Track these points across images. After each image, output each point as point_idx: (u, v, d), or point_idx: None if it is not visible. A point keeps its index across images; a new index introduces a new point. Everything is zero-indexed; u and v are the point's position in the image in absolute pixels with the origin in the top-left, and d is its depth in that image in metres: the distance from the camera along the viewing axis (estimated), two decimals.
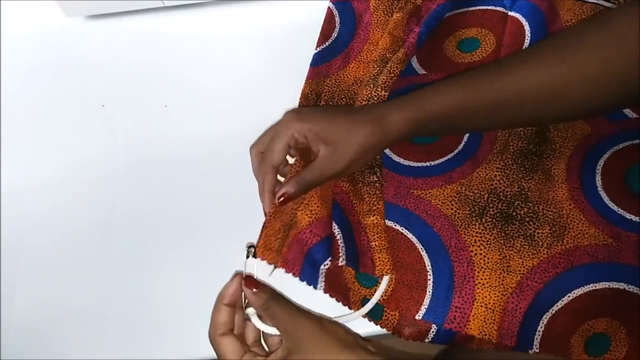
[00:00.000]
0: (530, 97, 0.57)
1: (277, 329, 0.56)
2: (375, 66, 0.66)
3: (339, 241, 0.61)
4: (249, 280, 0.57)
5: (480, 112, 0.58)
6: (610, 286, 0.57)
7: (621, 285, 0.57)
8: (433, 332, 0.59)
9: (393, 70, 0.65)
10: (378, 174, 0.64)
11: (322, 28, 0.73)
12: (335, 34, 0.73)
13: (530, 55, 0.58)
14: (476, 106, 0.58)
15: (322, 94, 0.70)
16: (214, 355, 0.61)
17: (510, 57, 0.59)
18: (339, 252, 0.61)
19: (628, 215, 0.60)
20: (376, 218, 0.62)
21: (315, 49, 0.72)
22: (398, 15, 0.69)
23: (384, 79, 0.64)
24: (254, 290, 0.56)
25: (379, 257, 0.60)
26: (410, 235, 0.61)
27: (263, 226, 0.61)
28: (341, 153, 0.58)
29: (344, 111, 0.62)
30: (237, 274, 0.59)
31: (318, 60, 0.71)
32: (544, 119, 0.62)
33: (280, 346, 0.57)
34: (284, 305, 0.56)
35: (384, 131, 0.58)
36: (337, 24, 0.73)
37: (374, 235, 0.61)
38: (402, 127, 0.58)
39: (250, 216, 0.66)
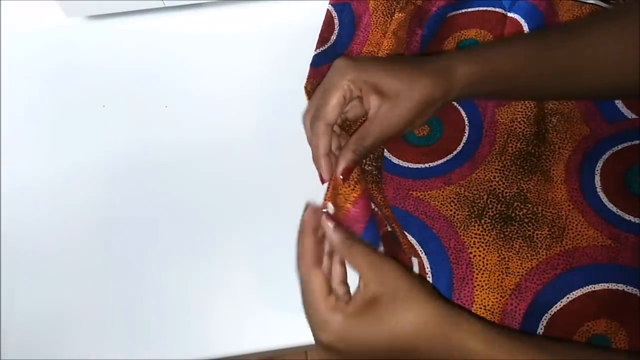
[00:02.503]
0: (606, 63, 0.54)
1: (359, 269, 0.49)
2: None
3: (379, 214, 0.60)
4: (330, 216, 0.52)
5: (549, 74, 0.55)
6: (609, 287, 0.57)
7: (620, 287, 0.57)
8: None
9: None
10: (378, 166, 0.63)
11: (321, 30, 0.73)
12: (334, 37, 0.73)
13: (607, 19, 0.55)
14: (546, 67, 0.55)
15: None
16: (214, 355, 0.62)
17: (582, 20, 0.56)
18: (385, 225, 0.59)
19: (627, 217, 0.60)
20: (388, 210, 0.62)
21: (315, 51, 0.72)
22: (400, 15, 0.69)
23: None
24: (334, 225, 0.51)
25: (404, 242, 0.60)
26: (409, 237, 0.61)
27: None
28: (402, 108, 0.52)
29: (404, 61, 0.56)
30: (309, 205, 0.54)
31: (317, 62, 0.71)
32: (609, 91, 0.58)
33: (355, 294, 0.50)
34: (365, 245, 0.50)
35: (449, 84, 0.54)
36: (336, 27, 0.73)
37: (392, 223, 0.61)
38: (467, 81, 0.54)
39: (250, 216, 0.67)
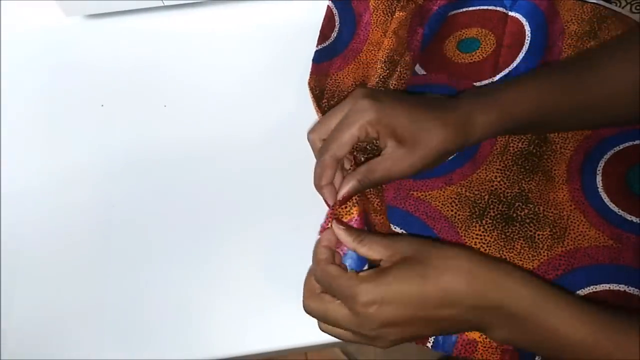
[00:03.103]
0: (621, 96, 0.54)
1: (378, 253, 0.50)
2: (385, 67, 0.66)
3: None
4: (339, 221, 0.53)
5: (565, 114, 0.56)
6: (611, 288, 0.57)
7: (621, 287, 0.57)
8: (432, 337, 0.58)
9: (403, 77, 0.65)
10: None
11: (321, 27, 0.72)
12: (334, 34, 0.72)
13: (618, 50, 0.56)
14: (562, 109, 0.55)
15: (325, 91, 0.70)
16: (215, 356, 0.62)
17: (593, 53, 0.56)
18: None
19: (629, 217, 0.60)
20: (382, 217, 0.62)
21: (316, 47, 0.72)
22: (401, 14, 0.68)
23: (394, 84, 0.64)
24: (345, 228, 0.52)
25: None
26: None
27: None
28: (417, 156, 0.53)
29: (427, 105, 0.55)
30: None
31: (319, 58, 0.71)
32: (624, 120, 0.59)
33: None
34: (376, 234, 0.52)
35: (467, 135, 0.54)
36: (336, 24, 0.73)
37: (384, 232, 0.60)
38: (485, 130, 0.55)
39: (250, 216, 0.67)
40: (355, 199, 0.55)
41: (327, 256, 0.52)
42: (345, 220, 0.55)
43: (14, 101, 0.76)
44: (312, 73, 0.69)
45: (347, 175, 0.55)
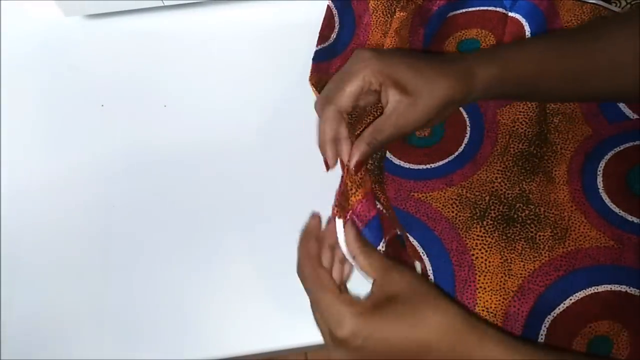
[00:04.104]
0: (623, 65, 0.54)
1: (375, 274, 0.50)
2: None
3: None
4: (354, 224, 0.52)
5: (566, 77, 0.55)
6: (612, 289, 0.57)
7: (623, 288, 0.57)
8: None
9: None
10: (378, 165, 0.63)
11: (321, 27, 0.72)
12: (334, 35, 0.72)
13: (624, 20, 0.55)
14: (564, 70, 0.55)
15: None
16: (214, 356, 0.62)
17: (597, 22, 0.56)
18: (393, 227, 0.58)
19: (630, 217, 0.60)
20: (392, 212, 0.62)
21: (316, 47, 0.72)
22: (402, 14, 0.68)
23: None
24: (355, 233, 0.51)
25: (408, 245, 0.59)
26: (411, 239, 0.61)
27: (338, 197, 0.55)
28: (421, 106, 0.52)
29: (427, 59, 0.54)
30: (314, 214, 0.55)
31: (318, 58, 0.71)
32: (625, 93, 0.58)
33: (369, 295, 0.50)
34: (379, 252, 0.52)
35: (470, 86, 0.53)
36: (336, 25, 0.73)
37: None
38: (487, 83, 0.54)
39: (250, 216, 0.66)
40: (360, 180, 0.54)
41: (317, 252, 0.52)
42: (351, 201, 0.54)
43: (14, 101, 0.75)
44: (312, 72, 0.69)
45: (355, 142, 0.53)
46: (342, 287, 0.52)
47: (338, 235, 0.52)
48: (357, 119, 0.63)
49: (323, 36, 0.72)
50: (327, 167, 0.55)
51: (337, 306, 0.47)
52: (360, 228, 0.54)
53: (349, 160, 0.53)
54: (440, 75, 0.52)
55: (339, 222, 0.53)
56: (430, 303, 0.47)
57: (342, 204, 0.54)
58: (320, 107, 0.54)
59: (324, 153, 0.54)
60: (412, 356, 0.46)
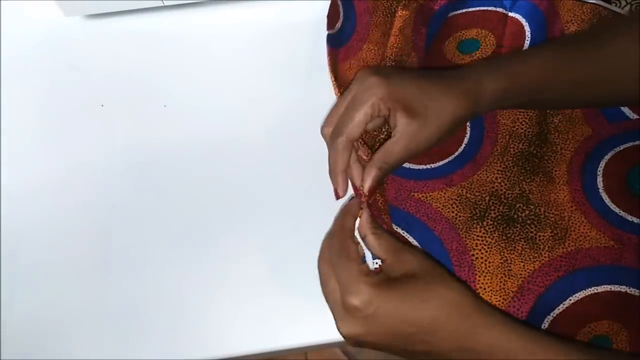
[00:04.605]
0: (629, 71, 0.54)
1: (385, 254, 0.52)
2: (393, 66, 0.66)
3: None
4: (369, 207, 0.54)
5: (573, 86, 0.56)
6: (612, 289, 0.57)
7: (623, 288, 0.57)
8: None
9: None
10: None
11: (328, 13, 0.72)
12: (339, 25, 0.72)
13: (626, 26, 0.56)
14: (571, 79, 0.55)
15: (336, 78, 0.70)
16: (214, 356, 0.62)
17: (601, 28, 0.57)
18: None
19: (630, 218, 0.60)
20: (386, 217, 0.62)
21: (327, 31, 0.71)
22: (404, 12, 0.68)
23: None
24: (369, 213, 0.53)
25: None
26: (411, 239, 0.61)
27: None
28: (431, 127, 0.52)
29: (433, 77, 0.55)
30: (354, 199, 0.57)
31: (330, 42, 0.71)
32: (632, 98, 0.59)
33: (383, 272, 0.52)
34: (389, 234, 0.54)
35: (477, 102, 0.54)
36: (340, 15, 0.73)
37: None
38: (495, 97, 0.54)
39: (250, 216, 0.66)
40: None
41: (351, 226, 0.53)
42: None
43: (14, 101, 0.75)
44: (328, 54, 0.70)
45: (366, 167, 0.54)
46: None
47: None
48: (362, 141, 0.63)
49: (331, 21, 0.72)
50: (337, 197, 0.56)
51: (356, 275, 0.49)
52: None
53: (361, 186, 0.54)
54: (447, 95, 0.53)
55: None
56: (442, 281, 0.49)
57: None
58: (330, 139, 0.55)
59: (336, 183, 0.55)
60: (420, 329, 0.48)
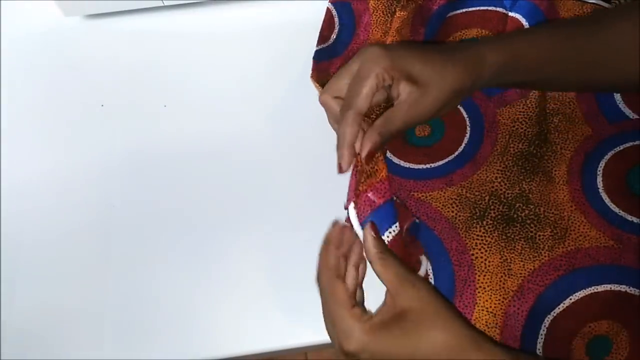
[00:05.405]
0: (631, 54, 0.54)
1: (390, 283, 0.50)
2: None
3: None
4: (373, 226, 0.52)
5: (575, 65, 0.56)
6: (612, 289, 0.57)
7: (622, 288, 0.57)
8: None
9: None
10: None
11: (321, 28, 0.72)
12: (334, 36, 0.72)
13: (625, 12, 0.56)
14: (573, 57, 0.55)
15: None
16: (214, 356, 0.62)
17: (601, 13, 0.57)
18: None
19: (629, 217, 0.60)
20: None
21: (316, 47, 0.71)
22: (402, 13, 0.68)
23: None
24: (374, 235, 0.51)
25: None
26: None
27: (353, 185, 0.54)
28: (433, 96, 0.52)
29: (436, 48, 0.55)
30: (335, 222, 0.55)
31: (319, 57, 0.71)
32: (632, 83, 0.58)
33: (381, 307, 0.51)
34: (398, 260, 0.51)
35: (479, 73, 0.54)
36: (336, 25, 0.73)
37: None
38: (496, 69, 0.54)
39: (250, 216, 0.66)
40: (370, 170, 0.54)
41: (335, 263, 0.52)
42: (371, 180, 0.54)
43: (14, 101, 0.75)
44: (313, 70, 0.69)
45: (366, 132, 0.53)
46: (356, 294, 0.53)
47: (352, 221, 0.53)
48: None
49: (323, 36, 0.72)
50: (340, 170, 0.54)
51: (348, 320, 0.49)
52: (378, 204, 0.53)
53: (360, 150, 0.53)
54: (449, 64, 0.53)
55: (352, 209, 0.53)
56: (439, 322, 0.48)
57: (356, 192, 0.54)
58: (340, 114, 0.54)
59: (341, 156, 0.54)
60: None
